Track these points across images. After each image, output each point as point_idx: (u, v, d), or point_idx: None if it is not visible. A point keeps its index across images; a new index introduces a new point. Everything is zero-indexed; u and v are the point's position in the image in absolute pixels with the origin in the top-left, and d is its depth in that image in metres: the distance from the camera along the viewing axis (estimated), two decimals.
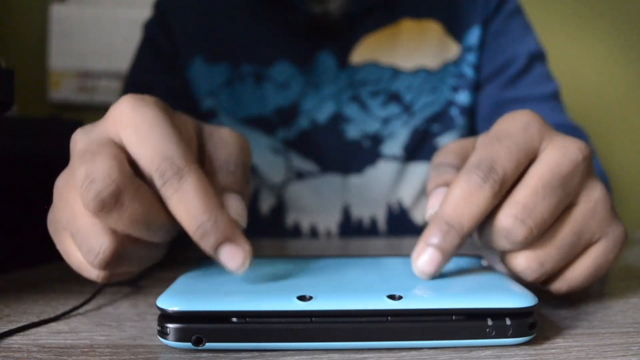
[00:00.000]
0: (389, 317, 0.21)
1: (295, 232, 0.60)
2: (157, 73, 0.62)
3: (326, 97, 0.59)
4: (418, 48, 0.60)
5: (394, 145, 0.59)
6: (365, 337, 0.21)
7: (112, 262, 0.23)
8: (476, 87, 0.62)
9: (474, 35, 0.61)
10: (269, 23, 0.61)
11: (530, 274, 0.24)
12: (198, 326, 0.20)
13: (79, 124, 0.41)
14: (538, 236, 0.23)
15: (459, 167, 0.28)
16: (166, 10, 0.63)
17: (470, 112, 0.62)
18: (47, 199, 0.28)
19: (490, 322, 0.21)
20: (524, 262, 0.24)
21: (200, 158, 0.27)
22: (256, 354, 0.21)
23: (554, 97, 0.60)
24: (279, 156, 0.59)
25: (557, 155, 0.24)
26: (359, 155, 0.59)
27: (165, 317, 0.21)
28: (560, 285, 0.26)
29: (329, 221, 0.59)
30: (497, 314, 0.21)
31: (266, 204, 0.60)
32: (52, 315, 0.26)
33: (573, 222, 0.24)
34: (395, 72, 0.60)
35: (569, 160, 0.23)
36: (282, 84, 0.59)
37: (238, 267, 0.22)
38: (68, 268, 0.26)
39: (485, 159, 0.24)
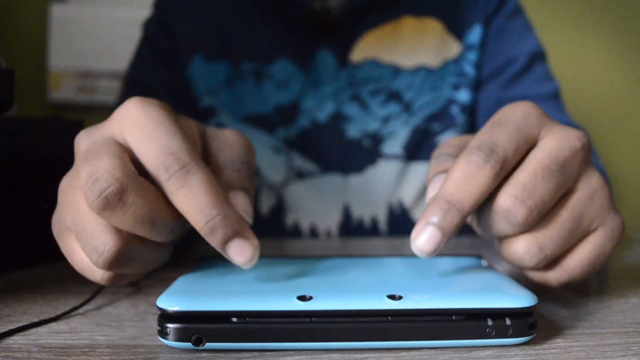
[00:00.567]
0: (389, 317, 0.21)
1: (295, 232, 0.60)
2: (157, 72, 0.62)
3: (326, 96, 0.59)
4: (418, 46, 0.60)
5: (394, 145, 0.59)
6: (365, 337, 0.21)
7: (116, 261, 0.23)
8: (477, 86, 0.62)
9: (475, 34, 0.61)
10: (268, 20, 0.61)
11: (530, 259, 0.24)
12: (198, 326, 0.20)
13: (79, 124, 0.41)
14: (537, 218, 0.23)
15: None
16: (166, 9, 0.63)
17: (470, 111, 0.61)
18: (47, 199, 0.28)
19: (490, 322, 0.21)
20: (524, 246, 0.24)
21: (205, 159, 0.27)
22: (256, 354, 0.21)
23: (555, 96, 0.60)
24: (280, 155, 0.59)
25: (556, 142, 0.24)
26: (359, 155, 0.59)
27: (165, 317, 0.21)
28: (560, 274, 0.25)
29: (329, 221, 0.59)
30: (497, 314, 0.21)
31: (266, 204, 0.60)
32: (52, 315, 0.26)
33: (572, 207, 0.24)
34: (396, 71, 0.60)
35: (567, 146, 0.24)
36: (282, 82, 0.59)
37: (246, 261, 0.22)
38: (68, 268, 0.26)
39: (485, 142, 0.24)
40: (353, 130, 0.59)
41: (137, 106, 0.24)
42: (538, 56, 0.61)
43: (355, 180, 0.59)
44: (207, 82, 0.60)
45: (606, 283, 0.32)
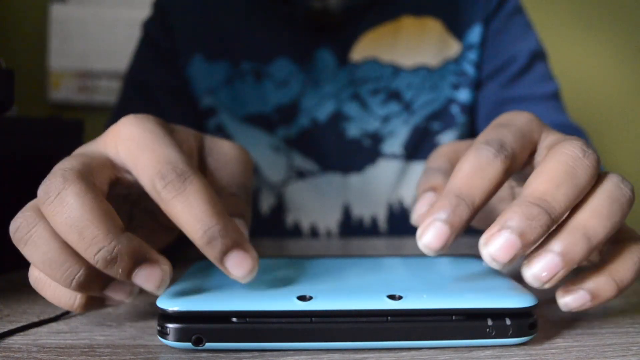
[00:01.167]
0: (389, 317, 0.21)
1: (295, 231, 0.60)
2: (157, 72, 0.62)
3: (326, 96, 0.59)
4: (418, 46, 0.60)
5: (394, 144, 0.59)
6: (365, 337, 0.21)
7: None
8: (477, 85, 0.62)
9: (475, 33, 0.61)
10: (268, 20, 0.61)
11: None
12: (198, 326, 0.20)
13: (79, 123, 0.41)
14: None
15: (448, 171, 0.28)
16: (165, 9, 0.63)
17: (471, 110, 0.61)
18: None
19: (490, 322, 0.21)
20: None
21: (202, 173, 0.27)
22: (256, 354, 0.21)
23: (555, 96, 0.60)
24: (281, 155, 0.59)
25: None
26: (359, 154, 0.59)
27: (165, 317, 0.21)
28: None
29: (329, 221, 0.59)
30: (497, 314, 0.21)
31: (266, 203, 0.60)
32: (52, 315, 0.26)
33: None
34: (396, 70, 0.60)
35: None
36: (282, 82, 0.59)
37: (245, 275, 0.21)
38: None
39: (494, 138, 0.23)
40: (353, 130, 0.59)
41: (133, 121, 0.24)
42: (538, 56, 0.61)
43: (355, 179, 0.59)
44: (207, 81, 0.60)
45: None
